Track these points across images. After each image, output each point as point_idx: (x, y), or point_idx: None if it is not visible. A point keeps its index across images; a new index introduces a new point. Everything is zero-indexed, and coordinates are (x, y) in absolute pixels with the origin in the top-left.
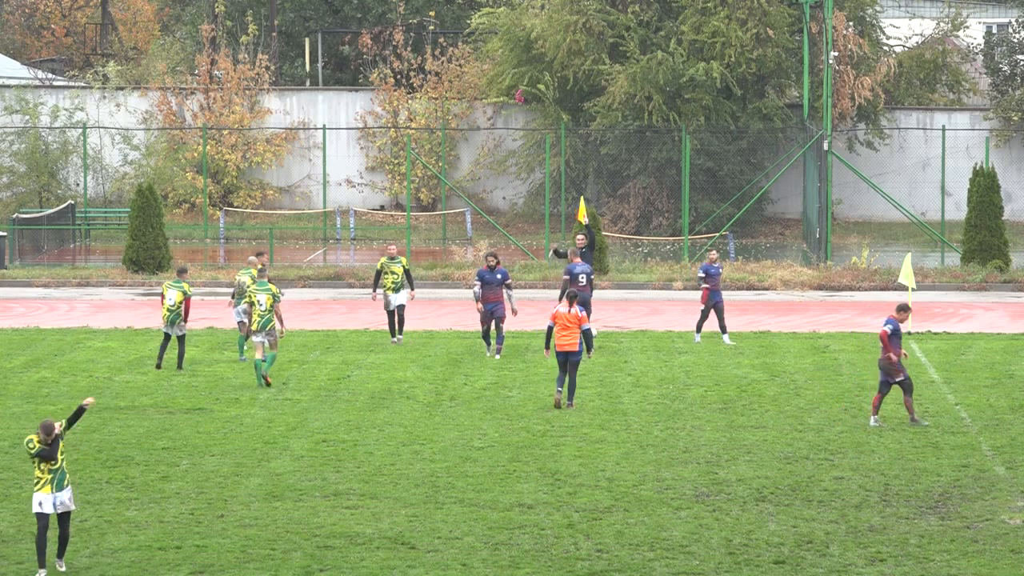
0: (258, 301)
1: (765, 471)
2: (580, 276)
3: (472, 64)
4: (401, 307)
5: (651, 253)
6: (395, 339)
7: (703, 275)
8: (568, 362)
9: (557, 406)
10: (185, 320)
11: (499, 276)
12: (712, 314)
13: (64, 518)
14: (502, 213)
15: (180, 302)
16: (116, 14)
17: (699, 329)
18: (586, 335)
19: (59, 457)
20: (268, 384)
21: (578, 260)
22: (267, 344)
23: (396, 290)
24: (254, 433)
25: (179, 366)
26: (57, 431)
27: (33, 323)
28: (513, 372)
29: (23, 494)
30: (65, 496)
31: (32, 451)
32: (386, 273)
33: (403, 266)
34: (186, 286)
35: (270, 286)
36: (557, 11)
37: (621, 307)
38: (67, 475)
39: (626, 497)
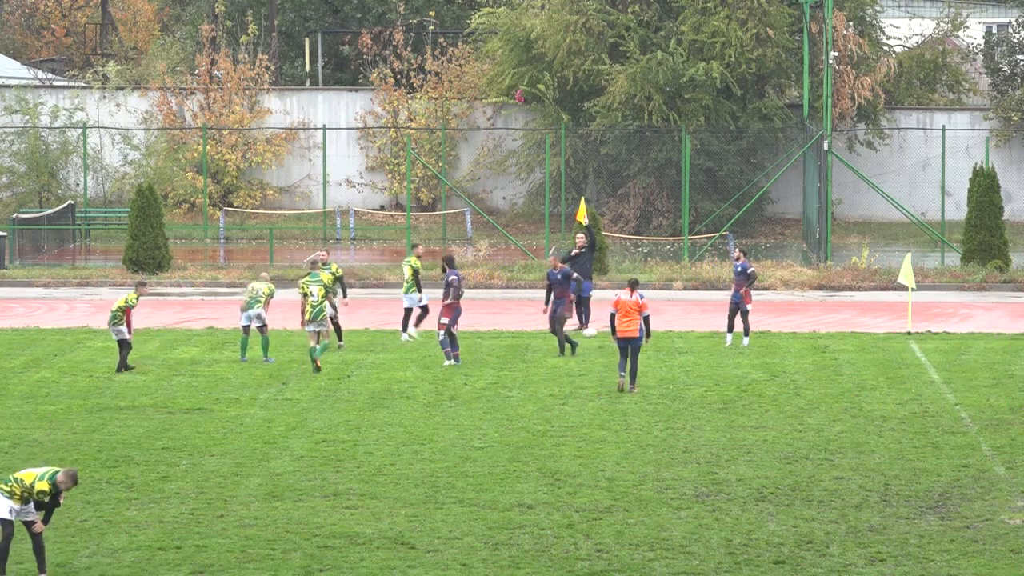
0: (310, 292)
1: (765, 471)
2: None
3: (472, 64)
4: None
5: (651, 253)
6: (340, 343)
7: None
8: (629, 348)
9: (620, 390)
10: (129, 330)
11: (446, 281)
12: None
13: (31, 527)
14: (502, 213)
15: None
16: (116, 14)
17: (746, 332)
18: (646, 321)
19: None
20: (318, 369)
21: (561, 265)
22: (320, 333)
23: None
24: (254, 433)
25: (120, 368)
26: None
27: (33, 323)
28: (513, 372)
29: None
30: (29, 509)
31: (39, 496)
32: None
33: (333, 273)
34: (132, 297)
35: (322, 277)
36: (557, 11)
37: None
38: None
39: (626, 497)
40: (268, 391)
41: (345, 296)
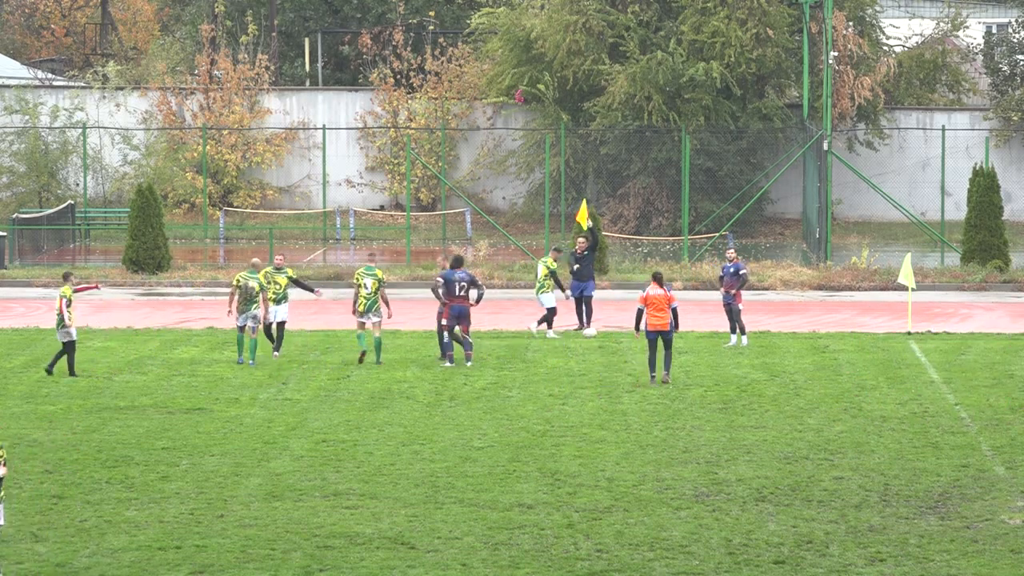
0: (364, 284)
1: (765, 471)
2: (457, 285)
3: (472, 64)
4: (280, 324)
5: (651, 253)
6: (275, 354)
7: (721, 276)
8: (661, 340)
9: (653, 383)
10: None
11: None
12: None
13: None
14: (502, 213)
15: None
16: (116, 14)
17: (736, 331)
18: (674, 313)
19: None
20: (361, 360)
21: (450, 267)
22: (370, 326)
23: (277, 302)
24: (254, 433)
25: (52, 366)
26: None
27: (33, 323)
28: (513, 372)
29: (22, 494)
30: None
31: None
32: (270, 283)
33: (288, 276)
34: (66, 290)
35: (376, 271)
36: (557, 11)
37: (621, 307)
38: None
39: (626, 497)
40: (268, 391)
41: (314, 290)
